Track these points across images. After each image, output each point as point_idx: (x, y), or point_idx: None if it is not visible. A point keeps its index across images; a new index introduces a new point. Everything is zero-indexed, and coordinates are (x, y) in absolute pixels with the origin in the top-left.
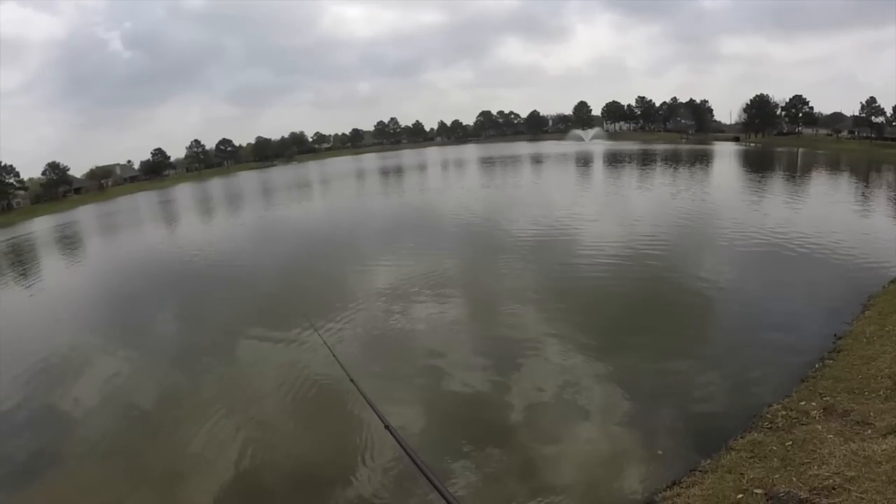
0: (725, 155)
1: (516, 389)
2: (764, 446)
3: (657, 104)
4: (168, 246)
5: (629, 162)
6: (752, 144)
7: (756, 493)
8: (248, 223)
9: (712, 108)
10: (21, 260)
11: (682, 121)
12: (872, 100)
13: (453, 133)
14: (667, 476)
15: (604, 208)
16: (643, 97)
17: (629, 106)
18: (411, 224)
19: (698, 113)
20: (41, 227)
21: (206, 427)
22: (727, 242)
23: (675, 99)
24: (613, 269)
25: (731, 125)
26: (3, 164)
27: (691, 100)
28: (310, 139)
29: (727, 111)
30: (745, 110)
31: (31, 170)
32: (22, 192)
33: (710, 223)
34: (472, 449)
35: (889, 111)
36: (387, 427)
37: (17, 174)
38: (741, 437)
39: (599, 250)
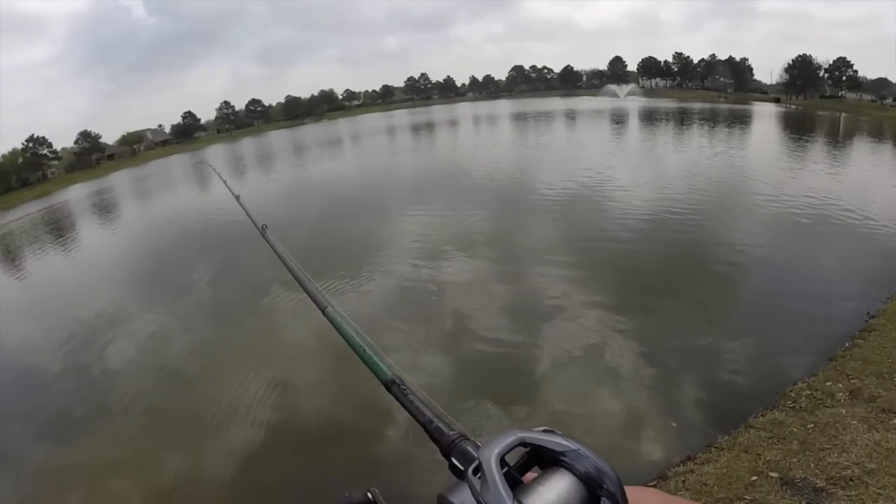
0: (765, 116)
1: (537, 348)
2: (784, 427)
3: (695, 61)
4: (199, 205)
5: (665, 120)
6: (793, 106)
7: (771, 477)
8: (277, 180)
9: (752, 66)
10: (58, 227)
11: (721, 79)
12: None
13: (485, 88)
14: (681, 450)
15: (637, 168)
16: (680, 53)
17: (666, 62)
18: (441, 182)
19: (737, 71)
20: (76, 194)
21: (238, 383)
22: (763, 208)
23: (713, 56)
24: (644, 232)
25: (771, 85)
26: (35, 136)
27: (730, 57)
28: (340, 96)
29: (767, 71)
30: (786, 70)
31: (63, 140)
32: (56, 163)
33: (747, 187)
34: (487, 401)
35: None
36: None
37: (50, 145)
38: (762, 415)
39: (630, 211)
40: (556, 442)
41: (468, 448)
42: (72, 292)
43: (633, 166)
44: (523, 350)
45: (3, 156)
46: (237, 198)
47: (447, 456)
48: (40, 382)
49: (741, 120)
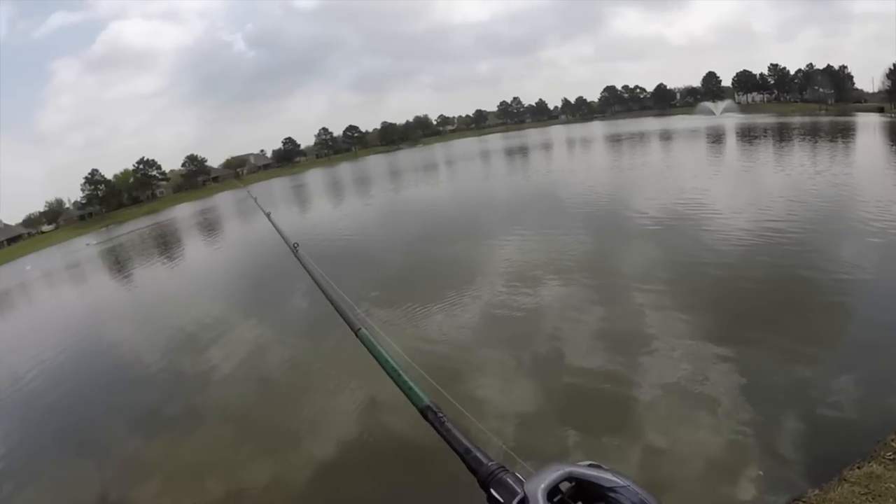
0: (869, 128)
1: (626, 380)
2: (881, 482)
3: (791, 72)
4: (299, 223)
5: (763, 137)
6: None
7: None
8: (375, 203)
9: (852, 74)
10: (164, 241)
11: (820, 89)
12: None
13: (577, 110)
14: (766, 502)
15: (734, 190)
16: (776, 65)
17: (761, 75)
18: (535, 205)
19: (837, 80)
20: (182, 212)
21: (328, 398)
22: (871, 234)
23: (810, 65)
24: (742, 257)
25: (873, 94)
26: (145, 158)
27: (829, 66)
28: (434, 122)
29: (868, 78)
30: (888, 76)
31: (171, 163)
32: (164, 183)
33: (853, 210)
34: (577, 429)
35: None
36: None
37: (159, 167)
38: (858, 468)
39: (729, 236)
40: (605, 478)
41: (509, 481)
42: (173, 301)
43: (730, 189)
44: (612, 381)
45: (115, 175)
46: (268, 215)
47: (486, 488)
48: (139, 381)
49: (844, 133)
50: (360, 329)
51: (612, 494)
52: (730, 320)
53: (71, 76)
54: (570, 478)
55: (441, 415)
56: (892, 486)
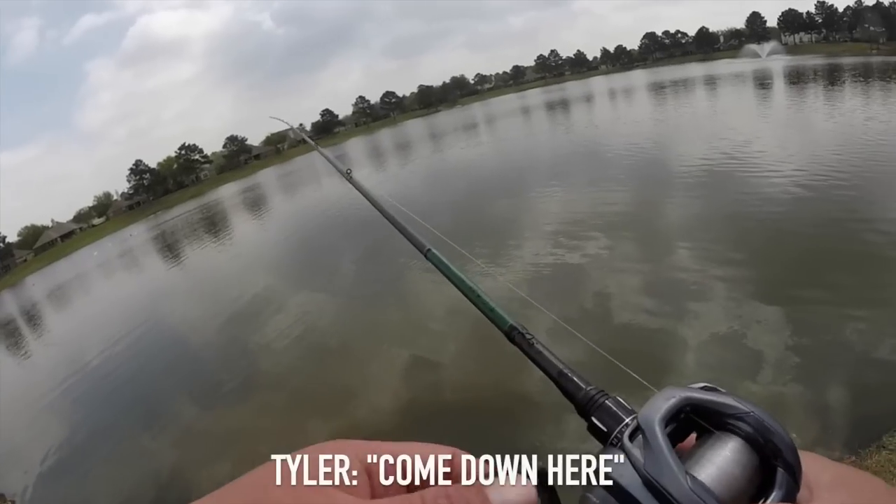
0: None
1: (671, 331)
2: None
3: (840, 9)
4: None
5: (812, 80)
6: None
7: None
8: (417, 166)
9: None
10: (212, 221)
11: (871, 28)
12: None
13: (618, 60)
14: None
15: (784, 137)
16: (823, 2)
17: (808, 13)
18: (578, 159)
19: (889, 18)
20: (227, 193)
21: (377, 363)
22: None
23: (859, 2)
24: (791, 210)
25: None
26: (186, 143)
27: (879, 2)
28: (471, 81)
29: None
30: None
31: (213, 145)
32: (207, 166)
33: None
34: (618, 374)
35: None
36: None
37: (201, 150)
38: None
39: (777, 187)
40: (726, 403)
41: (613, 407)
42: (223, 277)
43: (779, 137)
44: (657, 332)
45: (159, 163)
46: (315, 146)
47: (586, 415)
48: (197, 355)
49: None
50: (429, 250)
51: (733, 422)
52: (779, 274)
53: (106, 74)
54: (687, 404)
55: (529, 336)
56: None
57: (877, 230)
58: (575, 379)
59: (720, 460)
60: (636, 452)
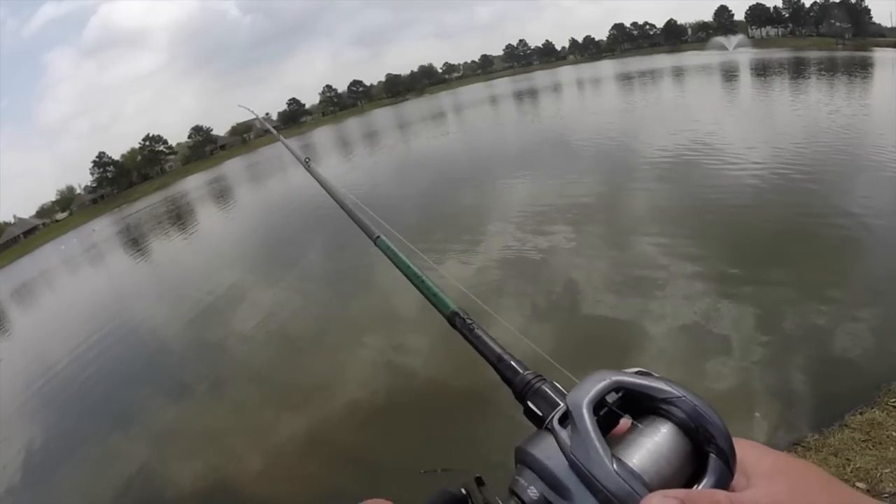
0: (888, 64)
1: (640, 312)
2: (882, 429)
3: (807, 4)
4: (310, 184)
5: (778, 73)
6: None
7: (858, 487)
8: (382, 157)
9: (869, 8)
10: (177, 214)
11: (837, 23)
12: None
13: (586, 50)
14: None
15: (749, 127)
16: None
17: (775, 8)
18: (544, 148)
19: (854, 14)
20: (193, 184)
21: (347, 353)
22: (889, 172)
23: None
24: (755, 197)
25: (891, 28)
26: (150, 134)
27: None
28: (439, 70)
29: (887, 13)
30: None
31: (178, 136)
32: (172, 157)
33: (871, 149)
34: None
35: None
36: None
37: (166, 141)
38: (860, 413)
39: (740, 175)
40: (657, 387)
41: (548, 391)
42: (189, 270)
43: (744, 128)
44: (623, 320)
45: (123, 155)
46: (278, 135)
47: (522, 399)
48: (165, 351)
49: (861, 70)
50: (378, 237)
51: (664, 406)
52: (741, 260)
53: (67, 65)
54: (617, 387)
55: (470, 321)
56: (894, 433)
57: (837, 219)
58: (513, 364)
59: (651, 445)
60: (563, 436)
